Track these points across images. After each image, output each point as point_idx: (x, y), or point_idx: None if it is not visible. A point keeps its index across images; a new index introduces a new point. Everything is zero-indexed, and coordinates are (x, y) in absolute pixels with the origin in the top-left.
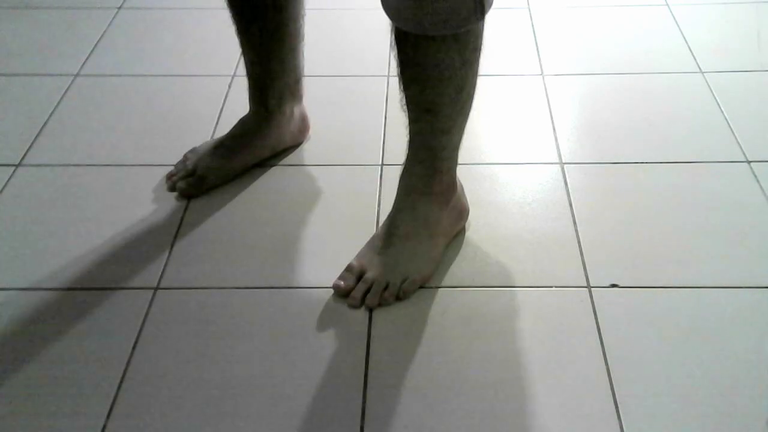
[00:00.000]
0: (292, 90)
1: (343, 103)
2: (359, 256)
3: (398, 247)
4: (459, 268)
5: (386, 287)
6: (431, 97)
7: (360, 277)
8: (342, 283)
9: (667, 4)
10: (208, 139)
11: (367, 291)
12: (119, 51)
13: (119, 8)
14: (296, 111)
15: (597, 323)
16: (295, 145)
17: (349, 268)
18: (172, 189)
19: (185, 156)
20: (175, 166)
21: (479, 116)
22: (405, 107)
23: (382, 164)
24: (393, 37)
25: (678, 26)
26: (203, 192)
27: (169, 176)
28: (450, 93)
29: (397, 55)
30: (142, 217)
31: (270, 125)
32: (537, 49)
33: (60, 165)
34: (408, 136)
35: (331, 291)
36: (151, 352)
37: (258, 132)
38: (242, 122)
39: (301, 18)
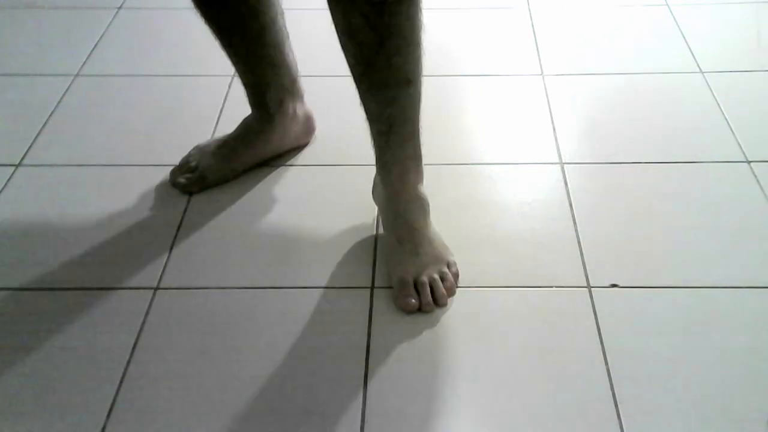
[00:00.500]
0: (290, 89)
1: (342, 102)
2: (401, 267)
3: (427, 240)
4: (459, 268)
5: (442, 279)
6: (411, 66)
7: (416, 284)
8: (412, 299)
9: (667, 4)
10: (209, 138)
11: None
12: (119, 51)
13: (119, 8)
14: (299, 111)
15: (597, 323)
16: (300, 147)
17: (404, 283)
18: (173, 184)
19: (190, 152)
20: (180, 161)
21: (479, 116)
22: (379, 90)
23: None
24: (360, 15)
25: (678, 26)
26: (203, 189)
27: (173, 171)
28: (420, 55)
29: (371, 32)
30: (142, 217)
31: (273, 127)
32: (537, 49)
33: (60, 165)
34: (381, 125)
35: (330, 290)
36: (151, 352)
37: (261, 134)
38: (245, 124)
39: (280, 16)
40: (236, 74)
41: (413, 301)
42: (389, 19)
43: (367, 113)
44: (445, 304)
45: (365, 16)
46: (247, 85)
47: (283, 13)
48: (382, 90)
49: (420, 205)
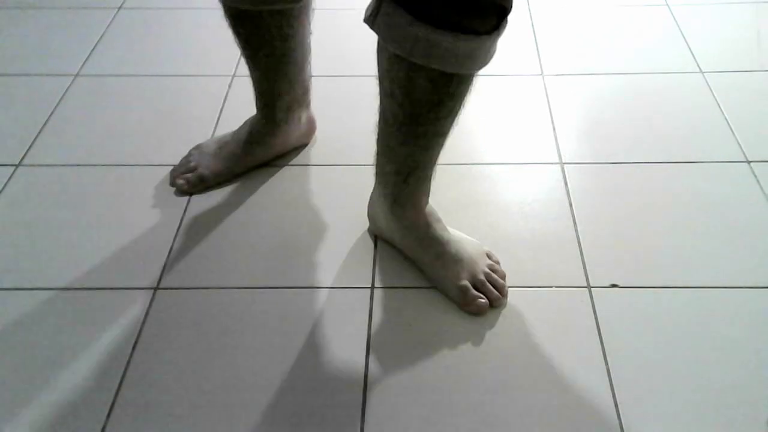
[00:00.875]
0: (300, 100)
1: (342, 102)
2: (452, 277)
3: (459, 242)
4: None
5: (493, 270)
6: (454, 122)
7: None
8: (481, 299)
9: (667, 4)
10: (209, 138)
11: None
12: (119, 51)
13: (119, 8)
14: (303, 116)
15: (597, 323)
16: (300, 147)
17: (465, 290)
18: (173, 185)
19: (190, 152)
20: (180, 161)
21: (480, 116)
22: (415, 140)
23: None
24: (426, 79)
25: (678, 26)
26: (202, 191)
27: (173, 171)
28: None
29: (432, 94)
30: (142, 217)
31: (276, 134)
32: (537, 49)
33: (60, 165)
34: (403, 167)
35: (330, 290)
36: (151, 352)
37: (264, 140)
38: (249, 128)
39: (309, 37)
40: (236, 75)
41: (482, 301)
42: (456, 88)
43: (387, 152)
44: (507, 293)
45: (432, 81)
46: (258, 91)
47: (311, 33)
48: (418, 140)
49: (437, 218)
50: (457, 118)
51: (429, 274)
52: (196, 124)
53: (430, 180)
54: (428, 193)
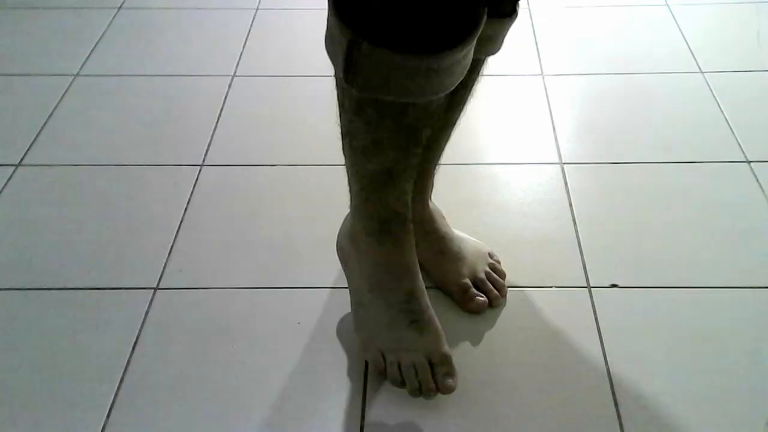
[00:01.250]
0: None
1: None
2: (454, 274)
3: (461, 240)
4: None
5: (494, 270)
6: (463, 112)
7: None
8: (480, 298)
9: (667, 4)
10: (207, 140)
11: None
12: (119, 51)
13: (119, 8)
14: None
15: (597, 323)
16: None
17: (465, 288)
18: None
19: (372, 352)
20: (388, 372)
21: (479, 116)
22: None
23: None
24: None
25: (678, 26)
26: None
27: (413, 392)
28: None
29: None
30: (142, 217)
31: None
32: (537, 49)
33: (60, 165)
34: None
35: (330, 290)
36: (151, 352)
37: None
38: (412, 252)
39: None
40: (236, 75)
41: (482, 299)
42: (468, 75)
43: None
44: (506, 293)
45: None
46: (407, 186)
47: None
48: (440, 133)
49: (441, 215)
50: (463, 110)
51: (430, 270)
52: (196, 124)
53: (434, 175)
54: (432, 189)
